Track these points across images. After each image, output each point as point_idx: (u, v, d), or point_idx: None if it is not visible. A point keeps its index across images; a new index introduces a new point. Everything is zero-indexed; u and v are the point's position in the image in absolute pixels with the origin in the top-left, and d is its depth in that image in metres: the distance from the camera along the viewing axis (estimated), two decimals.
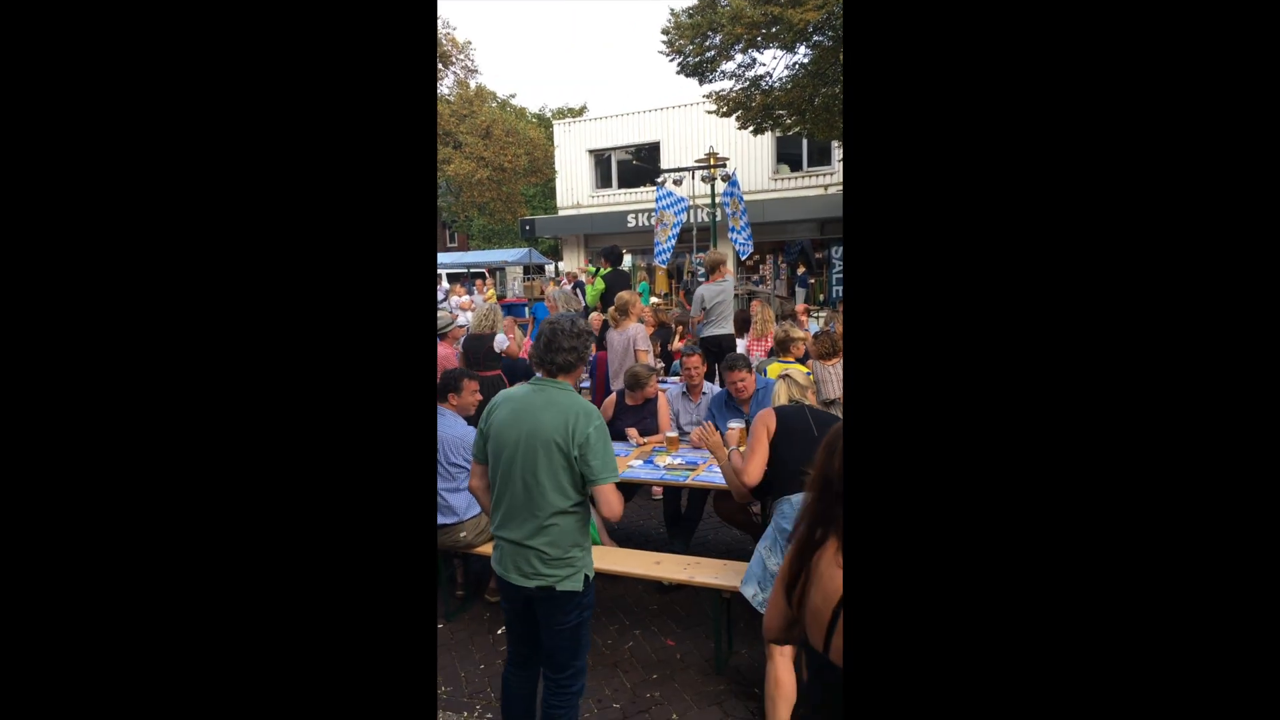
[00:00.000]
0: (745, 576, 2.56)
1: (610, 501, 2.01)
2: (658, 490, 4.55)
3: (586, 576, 2.07)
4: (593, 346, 2.23)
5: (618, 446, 4.14)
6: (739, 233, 8.94)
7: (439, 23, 13.37)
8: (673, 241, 9.57)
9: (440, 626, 3.41)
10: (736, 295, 6.02)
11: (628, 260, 18.00)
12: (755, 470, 2.56)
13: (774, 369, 4.11)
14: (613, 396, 4.46)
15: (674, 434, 4.06)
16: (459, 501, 3.32)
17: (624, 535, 4.20)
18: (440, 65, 13.67)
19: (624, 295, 5.16)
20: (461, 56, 13.69)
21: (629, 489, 4.02)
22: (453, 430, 3.39)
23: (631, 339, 4.84)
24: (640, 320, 5.16)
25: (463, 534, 3.35)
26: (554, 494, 1.99)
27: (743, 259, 8.77)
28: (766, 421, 2.51)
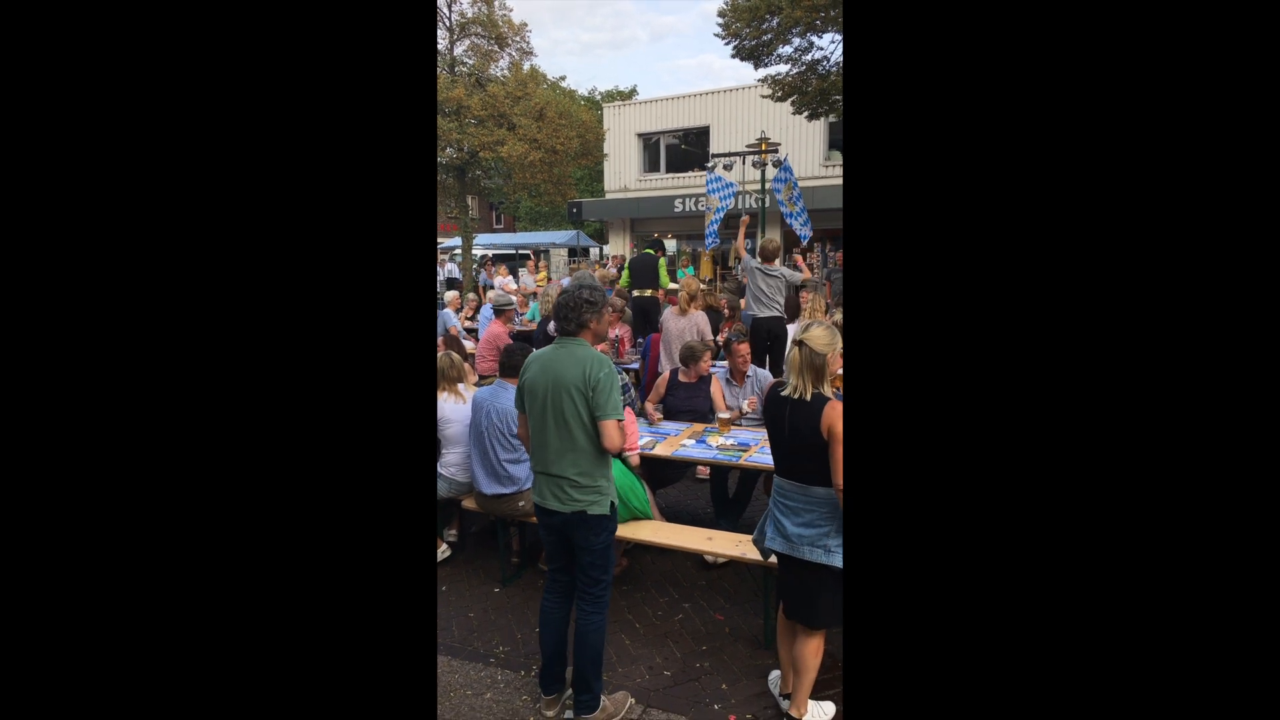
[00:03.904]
0: (758, 525, 2.60)
1: (610, 434, 2.39)
2: (703, 471, 4.63)
3: (612, 503, 2.50)
4: (609, 313, 2.60)
5: (672, 426, 4.21)
6: (796, 217, 8.85)
7: (496, 3, 13.45)
8: (716, 225, 9.54)
9: (496, 591, 3.56)
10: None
11: (672, 245, 18.00)
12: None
13: None
14: (666, 374, 4.54)
15: (726, 415, 4.12)
16: (520, 472, 3.44)
17: (672, 514, 4.29)
18: (496, 47, 13.78)
19: (691, 284, 5.34)
20: (518, 39, 13.78)
21: (678, 469, 4.10)
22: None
23: (697, 325, 5.17)
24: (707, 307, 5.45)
25: (521, 503, 3.47)
26: (578, 430, 2.41)
27: (802, 242, 8.78)
28: (765, 393, 2.49)
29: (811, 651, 2.43)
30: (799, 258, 6.88)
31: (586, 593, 2.54)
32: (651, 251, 7.88)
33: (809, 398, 2.28)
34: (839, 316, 5.15)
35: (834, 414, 2.23)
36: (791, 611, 2.45)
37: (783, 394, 2.36)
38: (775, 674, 2.72)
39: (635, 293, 7.63)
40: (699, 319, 5.26)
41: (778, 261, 5.95)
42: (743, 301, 6.07)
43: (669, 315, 5.35)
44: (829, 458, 2.25)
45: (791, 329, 5.83)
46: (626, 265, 7.71)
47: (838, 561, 2.28)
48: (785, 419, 2.33)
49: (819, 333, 2.30)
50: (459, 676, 2.85)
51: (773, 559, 2.61)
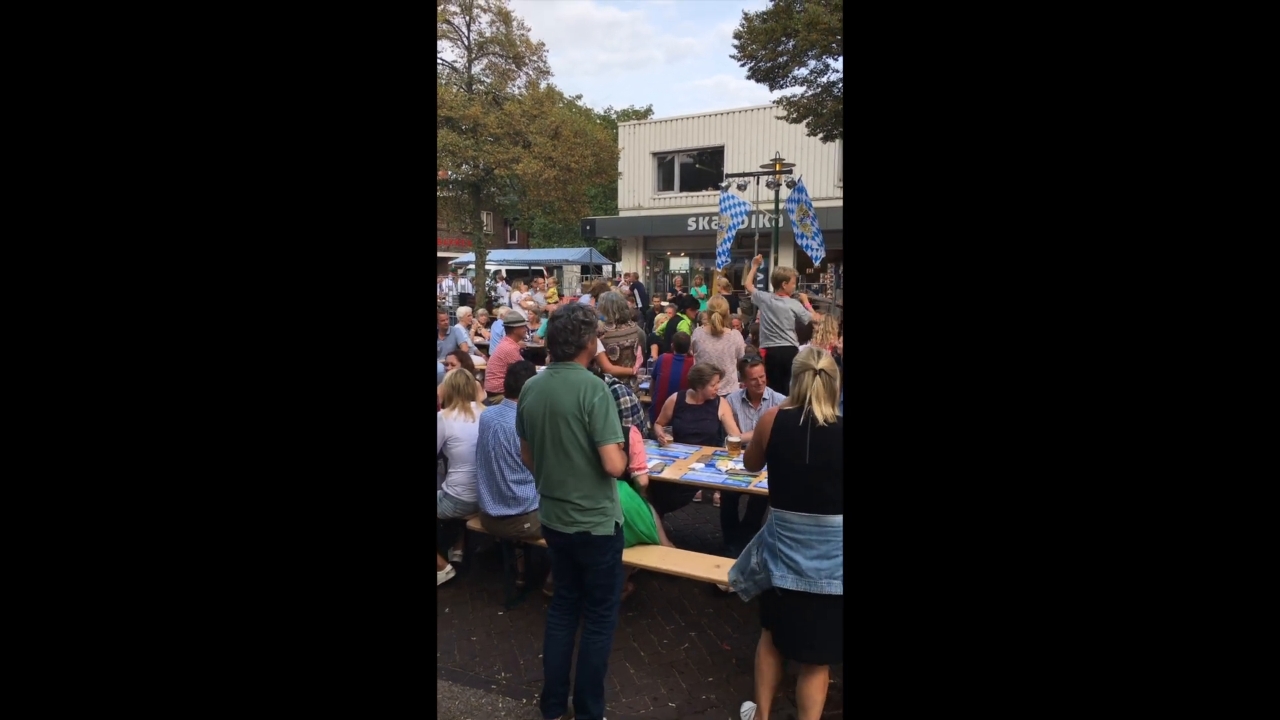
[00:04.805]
0: (734, 565, 2.57)
1: (611, 459, 2.37)
2: (717, 497, 4.58)
3: (616, 524, 2.47)
4: (595, 337, 2.54)
5: (681, 449, 4.16)
6: (813, 239, 8.84)
7: (514, 24, 13.62)
8: (728, 244, 9.55)
9: (500, 614, 3.50)
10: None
11: (685, 263, 18.00)
12: (752, 459, 2.52)
13: None
14: (674, 396, 4.50)
15: (736, 439, 4.07)
16: (526, 492, 3.40)
17: (680, 539, 4.22)
18: (514, 66, 13.94)
19: (722, 304, 5.34)
20: (535, 58, 13.93)
21: (686, 492, 4.04)
22: None
23: (735, 345, 5.17)
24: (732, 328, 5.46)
25: (526, 525, 3.43)
26: (577, 455, 2.39)
27: (813, 264, 8.79)
28: (767, 421, 2.40)
29: (819, 687, 2.36)
30: (805, 298, 6.76)
31: (591, 612, 2.54)
32: (684, 317, 8.09)
33: (835, 421, 2.30)
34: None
35: None
36: (802, 650, 2.37)
37: (801, 423, 2.30)
38: (749, 706, 2.64)
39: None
40: (736, 339, 5.22)
41: (791, 289, 5.92)
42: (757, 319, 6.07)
43: (702, 336, 5.31)
44: None
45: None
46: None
47: None
48: (806, 447, 2.28)
49: (831, 360, 2.37)
50: (459, 703, 2.80)
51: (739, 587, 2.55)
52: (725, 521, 4.07)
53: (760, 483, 3.56)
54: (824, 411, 2.28)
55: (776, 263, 10.23)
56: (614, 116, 28.28)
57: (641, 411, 4.49)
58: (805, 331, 6.15)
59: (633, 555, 3.23)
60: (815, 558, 2.27)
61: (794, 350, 5.77)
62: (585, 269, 20.62)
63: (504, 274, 18.84)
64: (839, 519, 2.27)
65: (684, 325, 7.65)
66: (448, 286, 15.67)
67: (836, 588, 2.25)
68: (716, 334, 5.19)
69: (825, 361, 2.33)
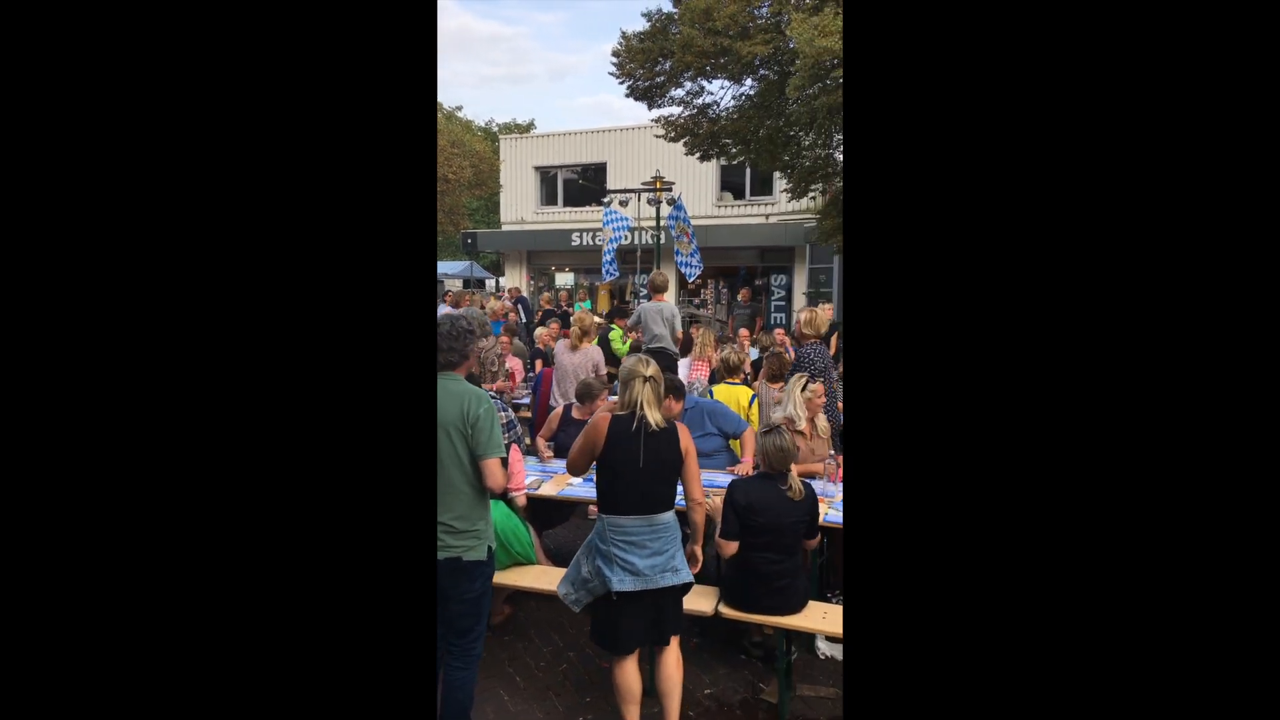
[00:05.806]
0: (563, 578, 2.60)
1: (494, 473, 2.27)
2: (593, 510, 4.52)
3: (489, 547, 2.35)
4: (502, 352, 2.50)
5: (560, 464, 4.08)
6: (690, 256, 9.03)
7: None
8: (609, 257, 9.62)
9: None
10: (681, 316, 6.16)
11: (570, 278, 17.95)
12: (578, 464, 2.50)
13: (720, 391, 4.16)
14: (559, 409, 4.42)
15: None
16: None
17: (560, 556, 4.13)
18: None
19: (585, 319, 5.31)
20: None
21: (565, 508, 3.96)
22: None
23: (592, 361, 5.11)
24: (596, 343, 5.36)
25: None
26: (455, 472, 2.25)
27: (689, 281, 8.94)
28: (600, 427, 2.40)
29: (675, 664, 2.45)
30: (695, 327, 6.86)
31: (454, 645, 2.38)
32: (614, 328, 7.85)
33: (665, 425, 2.40)
34: (729, 350, 5.19)
35: (686, 433, 2.45)
36: (649, 634, 2.44)
37: (634, 429, 2.36)
38: None
39: None
40: (594, 354, 5.22)
41: (668, 296, 6.03)
42: (634, 335, 6.09)
43: (561, 349, 5.29)
44: (684, 475, 2.42)
45: (683, 364, 5.88)
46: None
47: (686, 577, 2.43)
48: (640, 451, 2.35)
49: (658, 368, 2.47)
50: None
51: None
52: None
53: None
54: (654, 416, 2.37)
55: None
56: (496, 129, 27.87)
57: (519, 427, 4.38)
58: (686, 341, 6.26)
59: (510, 576, 3.12)
60: (649, 556, 2.35)
61: (669, 356, 5.85)
62: (467, 283, 20.08)
63: None
64: (668, 515, 2.39)
65: (615, 335, 7.47)
66: None
67: (670, 579, 2.37)
68: (575, 349, 5.21)
69: (653, 369, 2.42)
